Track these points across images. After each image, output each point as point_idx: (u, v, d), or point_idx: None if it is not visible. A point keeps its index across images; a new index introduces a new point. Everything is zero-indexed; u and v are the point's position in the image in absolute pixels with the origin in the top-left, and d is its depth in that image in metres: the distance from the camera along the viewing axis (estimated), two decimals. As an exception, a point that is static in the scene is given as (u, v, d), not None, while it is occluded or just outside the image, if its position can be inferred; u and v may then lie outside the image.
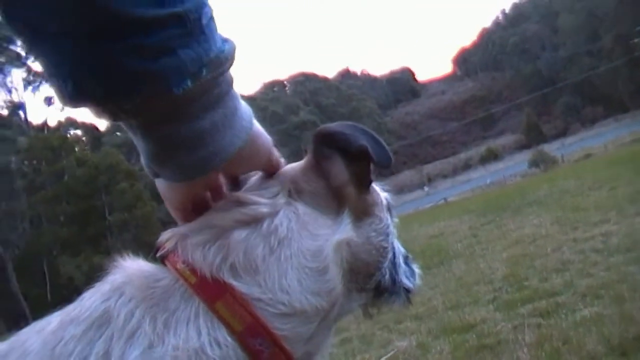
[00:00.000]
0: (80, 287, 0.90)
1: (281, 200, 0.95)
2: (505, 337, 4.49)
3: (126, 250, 0.93)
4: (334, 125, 1.02)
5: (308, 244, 0.92)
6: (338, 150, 0.98)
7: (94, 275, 0.89)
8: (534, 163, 44.65)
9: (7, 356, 0.82)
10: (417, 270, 1.20)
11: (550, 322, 4.54)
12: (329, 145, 0.98)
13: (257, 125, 0.89)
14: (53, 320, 0.84)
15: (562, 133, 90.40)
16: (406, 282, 1.14)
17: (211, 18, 0.71)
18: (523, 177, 43.53)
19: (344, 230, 0.97)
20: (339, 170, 0.98)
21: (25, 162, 51.22)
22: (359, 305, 1.09)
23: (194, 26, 0.67)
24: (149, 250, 0.95)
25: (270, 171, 0.97)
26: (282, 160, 1.02)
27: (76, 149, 55.02)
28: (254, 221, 0.92)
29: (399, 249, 1.15)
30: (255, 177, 1.08)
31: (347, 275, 0.98)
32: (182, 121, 0.73)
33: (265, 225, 0.91)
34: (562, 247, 7.34)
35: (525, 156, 59.54)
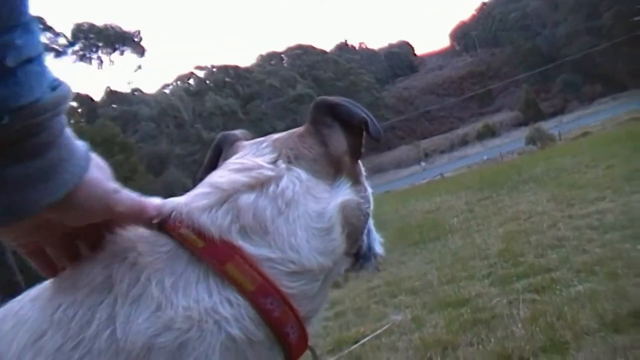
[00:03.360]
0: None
1: (282, 165, 0.99)
2: (500, 311, 4.51)
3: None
4: (335, 98, 1.07)
5: (313, 206, 0.95)
6: (339, 121, 1.04)
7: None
8: (531, 140, 44.63)
9: (1, 324, 0.79)
10: (380, 238, 1.25)
11: (545, 297, 4.56)
12: (332, 115, 1.04)
13: (93, 173, 0.76)
14: (47, 288, 0.82)
15: (560, 111, 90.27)
16: (378, 249, 1.21)
17: (30, 60, 0.62)
18: (520, 154, 43.57)
19: (345, 193, 1.02)
20: (339, 140, 1.05)
21: (21, 133, 50.86)
22: (344, 270, 1.13)
23: None
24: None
25: (117, 218, 0.83)
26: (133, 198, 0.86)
27: (71, 121, 54.67)
28: (260, 185, 0.94)
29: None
30: (248, 143, 1.11)
31: (346, 239, 1.02)
32: None
33: (272, 188, 0.94)
34: (558, 224, 7.35)
35: (522, 133, 59.53)
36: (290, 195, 0.93)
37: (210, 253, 0.82)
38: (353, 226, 1.04)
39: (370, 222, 1.18)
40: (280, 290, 0.85)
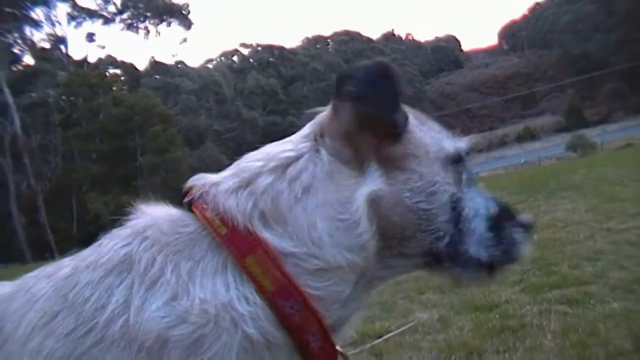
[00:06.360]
0: (106, 224, 0.83)
1: (307, 143, 0.90)
2: (529, 321, 4.39)
3: (154, 192, 0.88)
4: (356, 67, 0.96)
5: (335, 194, 0.85)
6: (349, 91, 0.93)
7: (120, 214, 0.84)
8: (572, 147, 43.79)
9: (12, 300, 0.75)
10: (520, 237, 1.12)
11: (578, 311, 4.43)
12: (345, 84, 0.93)
13: None
14: (65, 265, 0.78)
15: (604, 119, 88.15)
16: (477, 253, 1.02)
17: None
18: (558, 159, 42.80)
19: (373, 182, 0.90)
20: (347, 113, 0.91)
21: (63, 97, 51.75)
22: (402, 271, 1.05)
23: None
24: (176, 194, 0.91)
25: None
26: None
27: (114, 88, 55.41)
28: (280, 165, 0.86)
29: (478, 211, 1.05)
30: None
31: (378, 235, 0.91)
32: None
33: (289, 169, 0.86)
34: (595, 236, 7.16)
35: (562, 139, 58.41)
36: (309, 179, 0.84)
37: (233, 242, 0.77)
38: (394, 224, 0.92)
39: (472, 218, 1.03)
40: (304, 291, 0.78)
